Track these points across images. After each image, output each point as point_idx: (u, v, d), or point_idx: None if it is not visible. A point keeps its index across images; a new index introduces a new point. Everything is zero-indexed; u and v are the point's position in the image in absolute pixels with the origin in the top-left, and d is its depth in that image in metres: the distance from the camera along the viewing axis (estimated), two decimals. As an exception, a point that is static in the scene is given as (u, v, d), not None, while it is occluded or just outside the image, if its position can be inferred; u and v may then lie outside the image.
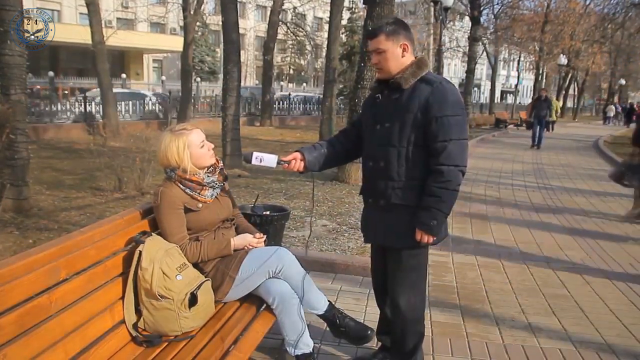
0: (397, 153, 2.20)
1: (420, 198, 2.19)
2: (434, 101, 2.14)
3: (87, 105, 16.06)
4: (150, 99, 19.09)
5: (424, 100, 2.15)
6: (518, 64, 39.88)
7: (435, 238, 2.22)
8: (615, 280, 4.14)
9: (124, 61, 34.70)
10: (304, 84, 35.27)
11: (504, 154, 13.22)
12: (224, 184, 2.56)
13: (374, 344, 2.71)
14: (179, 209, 2.35)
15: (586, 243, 5.19)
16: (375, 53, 2.24)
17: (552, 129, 20.54)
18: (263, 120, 20.88)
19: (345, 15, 29.82)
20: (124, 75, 23.88)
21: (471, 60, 19.13)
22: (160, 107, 19.05)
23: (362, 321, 2.62)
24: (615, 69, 39.24)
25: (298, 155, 2.40)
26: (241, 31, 12.92)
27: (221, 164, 2.58)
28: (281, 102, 24.20)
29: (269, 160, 2.35)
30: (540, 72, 32.10)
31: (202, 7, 21.32)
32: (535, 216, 6.33)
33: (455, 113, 2.14)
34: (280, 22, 23.50)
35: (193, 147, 2.39)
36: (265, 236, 2.61)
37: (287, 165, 2.37)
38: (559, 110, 20.30)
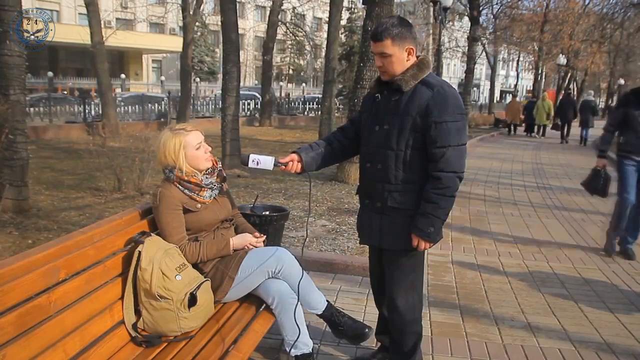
0: (395, 156, 2.19)
1: (417, 202, 2.18)
2: (434, 106, 2.12)
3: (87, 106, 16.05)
4: None
5: (424, 104, 2.13)
6: (517, 64, 39.90)
7: (432, 244, 2.21)
8: (615, 280, 4.15)
9: (123, 61, 34.72)
10: (304, 84, 35.21)
11: (503, 154, 13.22)
12: (222, 185, 2.56)
13: (373, 343, 2.71)
14: (177, 209, 2.36)
15: (586, 243, 5.20)
16: (379, 56, 2.20)
17: (544, 134, 19.12)
18: (262, 121, 20.87)
19: (345, 15, 29.84)
20: (123, 76, 23.87)
21: (470, 60, 19.11)
22: None
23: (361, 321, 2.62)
24: (614, 68, 39.20)
25: (295, 156, 2.36)
26: (240, 31, 12.93)
27: (219, 165, 2.58)
28: (294, 103, 24.68)
29: (266, 162, 2.32)
30: (540, 72, 32.08)
31: (202, 7, 21.27)
32: (535, 216, 6.34)
33: (455, 119, 2.13)
34: (280, 22, 23.46)
35: (189, 147, 2.39)
36: (265, 236, 2.60)
37: (284, 167, 2.34)
38: (552, 112, 18.66)
